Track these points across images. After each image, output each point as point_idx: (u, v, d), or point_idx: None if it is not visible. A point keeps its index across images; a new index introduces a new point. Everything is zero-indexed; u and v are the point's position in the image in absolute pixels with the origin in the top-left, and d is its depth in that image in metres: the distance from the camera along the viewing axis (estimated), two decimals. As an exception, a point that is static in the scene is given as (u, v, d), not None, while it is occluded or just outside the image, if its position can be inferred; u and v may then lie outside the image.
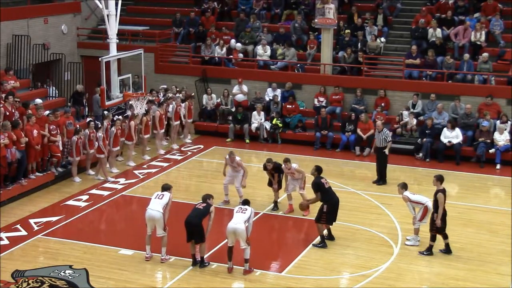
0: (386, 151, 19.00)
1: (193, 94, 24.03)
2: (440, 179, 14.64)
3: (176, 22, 27.29)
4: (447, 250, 14.76)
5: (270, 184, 17.37)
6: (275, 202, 17.33)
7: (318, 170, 15.33)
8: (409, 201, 15.05)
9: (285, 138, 23.45)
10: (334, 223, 15.23)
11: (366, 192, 18.63)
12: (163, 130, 22.15)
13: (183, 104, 23.00)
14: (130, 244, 15.15)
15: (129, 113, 20.92)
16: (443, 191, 14.49)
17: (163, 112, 21.99)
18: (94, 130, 19.44)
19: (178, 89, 24.06)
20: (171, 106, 22.56)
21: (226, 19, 27.92)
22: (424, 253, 14.73)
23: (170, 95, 23.29)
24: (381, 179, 19.28)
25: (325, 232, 15.30)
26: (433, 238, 14.71)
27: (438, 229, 14.57)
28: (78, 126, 19.99)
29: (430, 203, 14.98)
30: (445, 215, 14.54)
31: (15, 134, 17.53)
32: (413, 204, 15.07)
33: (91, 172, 19.93)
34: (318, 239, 15.21)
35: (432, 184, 14.86)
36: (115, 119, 20.34)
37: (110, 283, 13.44)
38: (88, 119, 21.38)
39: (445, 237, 14.72)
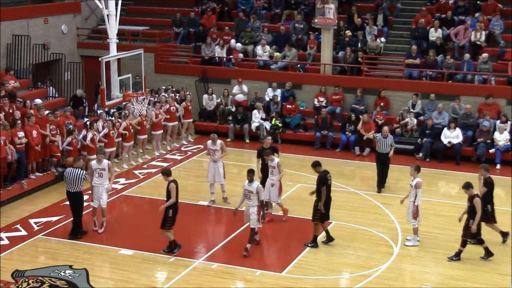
0: (391, 153, 18.69)
1: (188, 93, 23.88)
2: None
3: (176, 22, 27.29)
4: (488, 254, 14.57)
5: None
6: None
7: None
8: (419, 189, 14.94)
9: (285, 138, 23.43)
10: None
11: (366, 192, 18.61)
12: (160, 131, 21.97)
13: (177, 105, 22.81)
14: (130, 244, 15.13)
15: (126, 112, 20.73)
16: None
17: (158, 112, 21.72)
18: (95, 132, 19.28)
19: (174, 89, 23.96)
20: (165, 107, 22.27)
21: (226, 19, 27.92)
22: (453, 258, 14.54)
23: (167, 95, 23.09)
24: (381, 184, 19.05)
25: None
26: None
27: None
28: (89, 121, 19.82)
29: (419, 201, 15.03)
30: None
31: (11, 133, 17.50)
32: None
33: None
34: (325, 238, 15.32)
35: None
36: (107, 119, 19.98)
37: (110, 283, 13.44)
38: (85, 120, 21.19)
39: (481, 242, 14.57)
